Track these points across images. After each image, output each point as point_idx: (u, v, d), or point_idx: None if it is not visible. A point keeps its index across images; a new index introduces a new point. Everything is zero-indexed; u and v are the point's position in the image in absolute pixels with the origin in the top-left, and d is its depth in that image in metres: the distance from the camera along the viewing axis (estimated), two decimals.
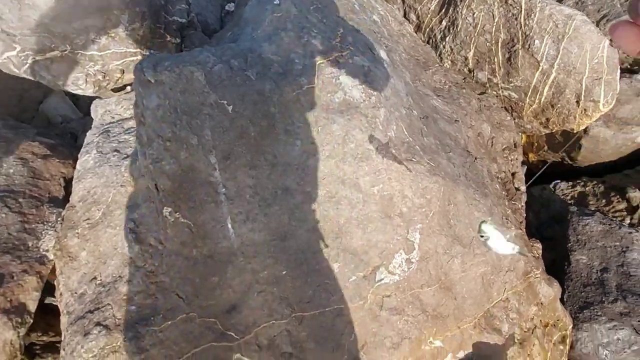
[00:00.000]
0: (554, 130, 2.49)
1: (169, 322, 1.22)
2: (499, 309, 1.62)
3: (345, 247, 1.36)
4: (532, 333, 1.70)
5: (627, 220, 2.32)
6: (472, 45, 2.44)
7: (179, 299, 1.24)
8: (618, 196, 2.42)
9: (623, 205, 2.38)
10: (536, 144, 2.88)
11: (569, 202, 2.51)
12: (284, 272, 1.31)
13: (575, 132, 2.62)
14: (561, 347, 1.81)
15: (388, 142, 1.34)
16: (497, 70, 2.41)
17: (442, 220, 1.47)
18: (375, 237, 1.38)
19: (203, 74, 1.14)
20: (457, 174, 1.57)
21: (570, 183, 2.63)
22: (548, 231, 2.49)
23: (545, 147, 2.86)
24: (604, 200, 2.43)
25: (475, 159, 1.81)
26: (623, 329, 1.84)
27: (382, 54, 1.56)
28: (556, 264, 2.23)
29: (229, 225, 1.22)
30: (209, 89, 1.14)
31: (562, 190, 2.59)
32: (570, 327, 1.87)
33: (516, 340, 1.65)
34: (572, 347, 1.91)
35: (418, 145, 1.45)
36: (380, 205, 1.36)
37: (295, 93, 1.20)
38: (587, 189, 2.54)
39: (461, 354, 1.55)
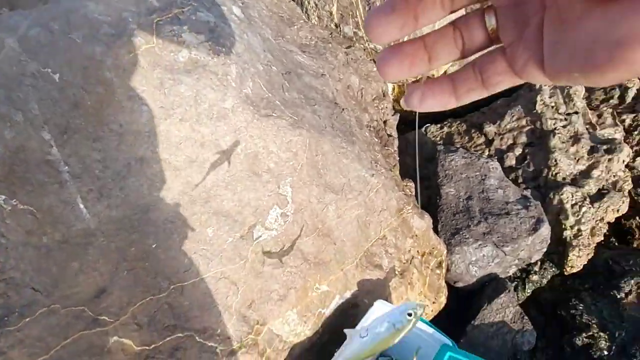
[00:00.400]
0: (418, 77, 2.65)
1: (27, 319, 1.11)
2: (378, 246, 1.73)
3: (217, 211, 1.34)
4: (411, 263, 1.85)
5: (486, 152, 2.59)
6: (334, 0, 2.47)
7: (36, 292, 1.14)
8: (477, 132, 2.68)
9: (482, 140, 2.65)
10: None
11: (439, 142, 2.73)
12: (154, 245, 1.26)
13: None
14: (438, 271, 2.00)
15: (245, 99, 1.32)
16: (360, 23, 2.49)
17: (312, 171, 1.51)
18: (247, 196, 1.38)
19: (16, 41, 1.01)
20: (322, 125, 1.61)
21: (439, 125, 2.85)
22: (423, 171, 2.69)
23: None
24: (466, 137, 2.68)
25: (343, 110, 1.87)
26: (486, 246, 2.08)
27: (235, 10, 1.52)
28: (431, 200, 2.44)
29: (81, 206, 1.13)
30: (27, 57, 1.02)
31: (432, 132, 2.81)
32: (445, 252, 2.07)
33: (396, 272, 1.79)
34: (448, 269, 2.13)
35: (279, 100, 1.45)
36: (246, 164, 1.35)
37: (132, 55, 1.12)
38: (452, 128, 2.78)
39: (347, 294, 1.64)
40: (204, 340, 1.34)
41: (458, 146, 2.61)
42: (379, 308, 1.57)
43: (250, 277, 1.42)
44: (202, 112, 1.23)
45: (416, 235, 1.89)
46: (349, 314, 1.67)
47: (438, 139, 2.76)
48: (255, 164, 1.36)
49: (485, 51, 0.44)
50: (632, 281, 2.25)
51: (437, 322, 2.03)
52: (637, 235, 2.67)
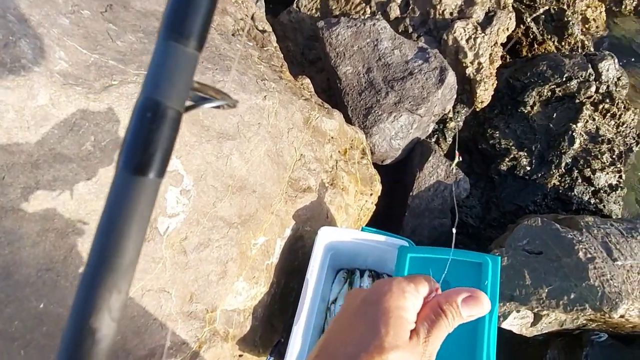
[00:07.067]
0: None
1: None
2: (299, 169, 1.55)
3: None
4: (337, 168, 1.72)
5: (367, 11, 2.34)
6: None
7: None
8: None
9: None
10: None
11: (316, 16, 2.42)
12: (41, 305, 0.99)
13: None
14: (364, 161, 1.90)
15: (63, 80, 0.94)
16: None
17: (194, 128, 1.22)
18: None
19: None
20: None
21: None
22: (312, 53, 2.43)
23: None
24: (343, 1, 2.38)
25: None
26: (401, 115, 1.98)
27: None
28: (331, 82, 2.24)
29: None
30: None
31: (305, 6, 2.46)
32: (364, 138, 1.95)
33: (327, 185, 1.66)
34: (372, 153, 2.04)
35: (111, 57, 1.08)
36: (108, 159, 1.03)
37: None
38: None
39: (287, 232, 1.50)
40: None
41: (338, 14, 2.33)
42: (325, 234, 1.46)
43: (177, 274, 1.21)
44: (11, 126, 0.86)
45: (332, 137, 1.73)
46: (296, 249, 1.56)
47: (314, 11, 2.44)
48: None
49: None
50: (534, 92, 2.32)
51: (379, 206, 2.00)
52: (524, 43, 2.71)
